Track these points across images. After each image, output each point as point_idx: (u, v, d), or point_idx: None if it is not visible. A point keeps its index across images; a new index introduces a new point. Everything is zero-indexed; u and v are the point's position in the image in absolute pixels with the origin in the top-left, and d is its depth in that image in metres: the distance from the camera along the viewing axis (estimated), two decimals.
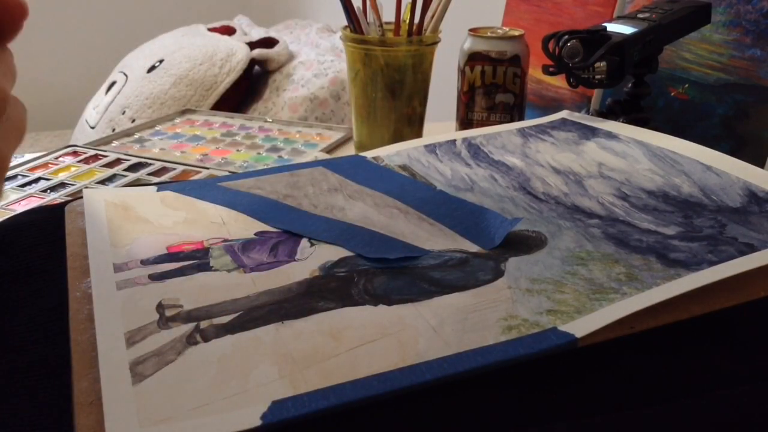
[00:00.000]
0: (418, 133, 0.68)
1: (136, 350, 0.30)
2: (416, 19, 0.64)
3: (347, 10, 0.64)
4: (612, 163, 0.49)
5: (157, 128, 0.84)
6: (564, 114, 0.59)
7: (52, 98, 2.15)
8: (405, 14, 0.65)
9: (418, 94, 0.66)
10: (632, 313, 0.31)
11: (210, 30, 1.52)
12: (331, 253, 0.39)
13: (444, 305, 0.33)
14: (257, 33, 1.53)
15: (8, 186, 0.64)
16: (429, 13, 0.65)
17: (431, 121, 0.70)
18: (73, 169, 0.68)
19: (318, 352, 0.30)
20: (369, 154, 0.53)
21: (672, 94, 0.66)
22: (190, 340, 0.31)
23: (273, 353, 0.30)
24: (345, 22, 0.66)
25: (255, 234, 0.41)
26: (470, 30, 0.68)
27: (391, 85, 0.64)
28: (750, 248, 0.36)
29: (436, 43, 0.65)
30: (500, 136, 0.55)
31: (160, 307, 0.33)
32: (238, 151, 0.75)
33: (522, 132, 0.56)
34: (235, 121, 0.87)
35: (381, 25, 0.66)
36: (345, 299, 0.34)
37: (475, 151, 0.53)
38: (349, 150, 0.75)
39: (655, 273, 0.35)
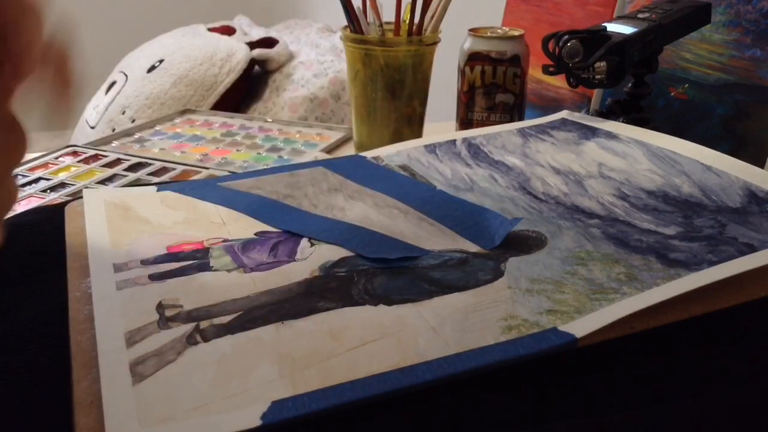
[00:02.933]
0: (418, 133, 0.68)
1: (136, 350, 0.30)
2: (416, 19, 0.64)
3: (347, 10, 0.64)
4: (612, 163, 0.49)
5: (157, 128, 0.84)
6: (564, 114, 0.59)
7: None
8: (405, 14, 0.65)
9: (418, 94, 0.66)
10: (632, 313, 0.31)
11: (210, 30, 1.52)
12: (331, 253, 0.39)
13: (444, 305, 0.33)
14: (257, 33, 1.53)
15: None
16: (429, 13, 0.65)
17: (431, 121, 0.70)
18: (73, 169, 0.68)
19: (318, 352, 0.30)
20: (369, 154, 0.53)
21: (672, 94, 0.66)
22: (190, 340, 0.31)
23: (273, 353, 0.30)
24: (345, 22, 0.66)
25: (255, 234, 0.41)
26: (470, 30, 0.68)
27: (391, 85, 0.64)
28: (750, 248, 0.36)
29: (436, 43, 0.65)
30: (500, 136, 0.55)
31: (160, 307, 0.33)
32: (238, 151, 0.75)
33: (522, 132, 0.56)
34: (235, 121, 0.87)
35: (381, 25, 0.66)
36: (345, 299, 0.34)
37: (475, 151, 0.53)
38: (349, 150, 0.75)
39: (655, 273, 0.35)
